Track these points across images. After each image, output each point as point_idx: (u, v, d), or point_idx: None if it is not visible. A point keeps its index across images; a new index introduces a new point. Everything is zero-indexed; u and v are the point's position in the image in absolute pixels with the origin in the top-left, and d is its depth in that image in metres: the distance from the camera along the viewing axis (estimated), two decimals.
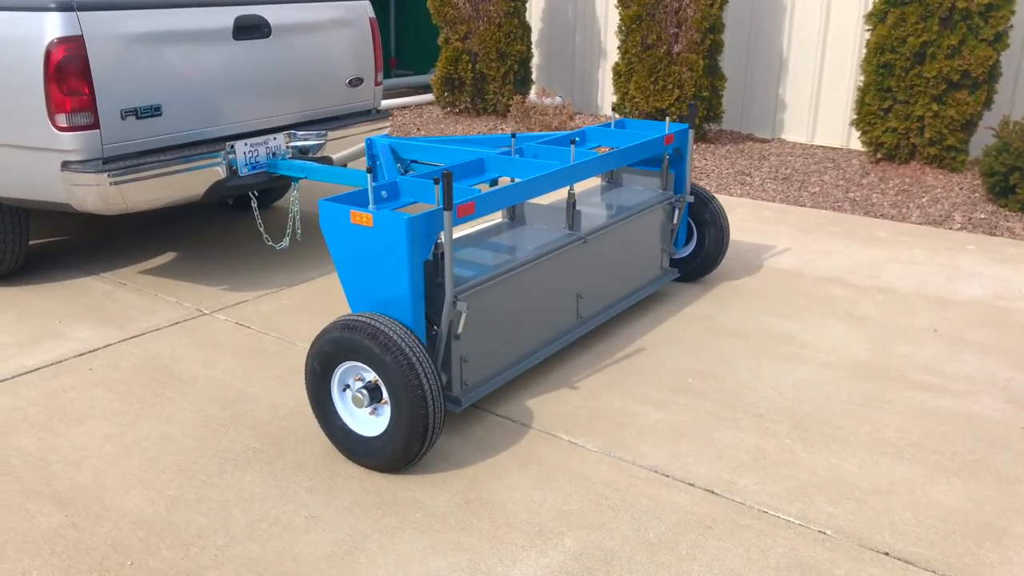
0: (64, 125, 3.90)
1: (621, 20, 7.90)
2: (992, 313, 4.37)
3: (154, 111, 4.15)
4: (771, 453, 3.12)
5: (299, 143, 4.84)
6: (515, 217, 3.99)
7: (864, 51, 7.36)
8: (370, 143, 4.24)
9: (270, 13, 4.61)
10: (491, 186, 3.84)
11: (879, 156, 7.02)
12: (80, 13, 3.83)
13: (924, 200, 6.32)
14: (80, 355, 3.87)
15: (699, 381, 3.65)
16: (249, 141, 4.59)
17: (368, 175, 3.11)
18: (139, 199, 4.13)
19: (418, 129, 8.86)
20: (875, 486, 2.93)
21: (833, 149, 7.97)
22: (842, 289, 4.70)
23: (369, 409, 2.96)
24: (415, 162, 4.16)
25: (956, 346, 4.00)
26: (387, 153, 4.07)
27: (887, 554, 2.59)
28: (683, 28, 7.59)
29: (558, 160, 3.81)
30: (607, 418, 3.35)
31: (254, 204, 4.76)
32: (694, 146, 6.82)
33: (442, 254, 2.99)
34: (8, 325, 4.17)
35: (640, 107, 7.82)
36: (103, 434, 3.23)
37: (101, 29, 3.91)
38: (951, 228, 5.84)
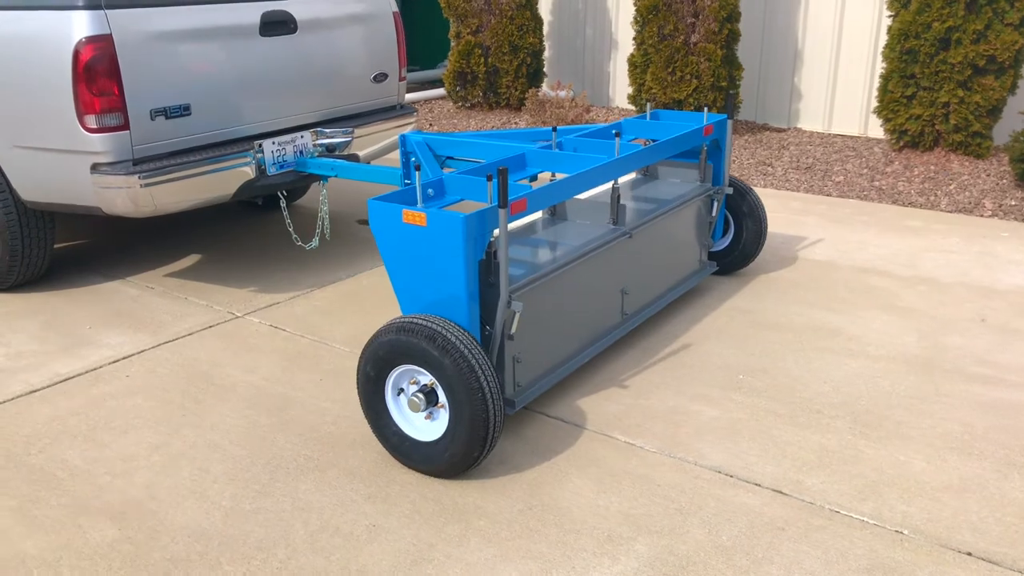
0: (93, 126, 3.80)
1: (637, 10, 7.80)
2: None
3: (183, 111, 4.06)
4: (835, 450, 3.05)
5: (326, 141, 4.75)
6: (556, 212, 3.91)
7: (884, 38, 7.29)
8: (404, 139, 4.16)
9: (296, 8, 4.52)
10: (530, 181, 3.76)
11: (902, 144, 6.94)
12: (108, 11, 3.74)
13: (952, 187, 6.24)
14: (115, 362, 3.79)
15: (750, 377, 3.58)
16: (277, 140, 4.51)
17: (416, 172, 3.03)
18: (169, 201, 4.05)
19: (431, 125, 8.77)
20: (946, 483, 2.86)
21: (852, 138, 7.89)
22: (882, 280, 4.63)
23: (425, 413, 2.88)
24: (450, 158, 4.08)
25: (1006, 336, 3.93)
26: (424, 150, 3.98)
27: (970, 554, 2.52)
28: (700, 18, 7.50)
29: (601, 153, 3.72)
30: (661, 417, 3.27)
31: (283, 204, 4.68)
32: None
33: (495, 252, 2.91)
34: (37, 332, 4.09)
35: (658, 98, 7.73)
36: (149, 444, 3.15)
37: (130, 27, 3.82)
38: (982, 215, 5.77)
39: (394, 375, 2.89)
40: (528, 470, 2.96)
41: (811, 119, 8.38)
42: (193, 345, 3.94)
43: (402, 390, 2.93)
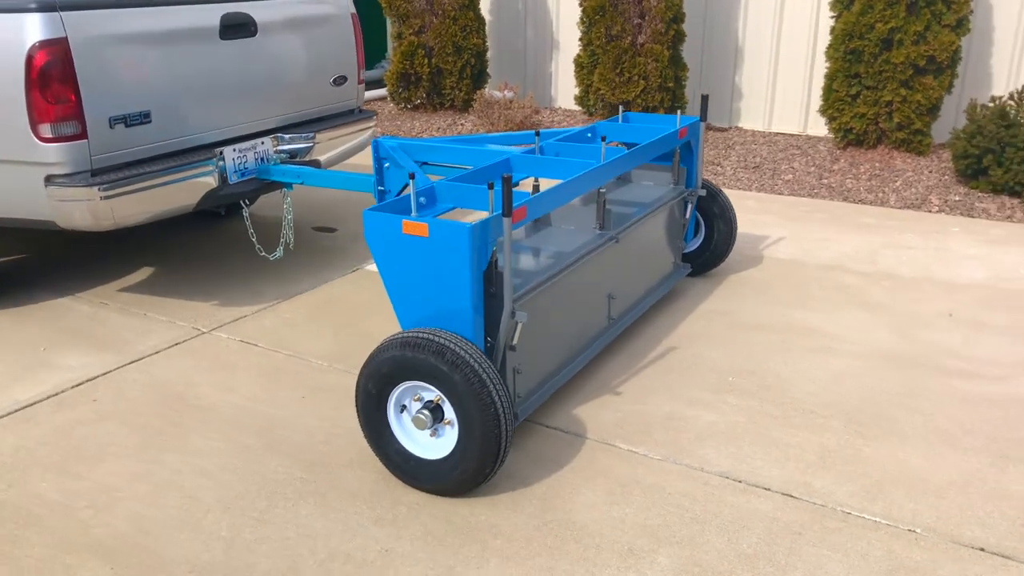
0: (48, 136, 3.58)
1: (583, 11, 7.80)
2: (999, 296, 4.44)
3: (143, 118, 3.86)
4: (835, 451, 3.07)
5: (287, 147, 4.59)
6: (540, 218, 3.85)
7: (823, 38, 7.45)
8: (376, 145, 4.04)
9: (256, 11, 4.35)
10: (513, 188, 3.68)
11: (847, 142, 7.10)
12: (63, 13, 3.52)
13: (898, 184, 6.41)
14: (78, 385, 3.58)
15: (740, 379, 3.58)
16: (237, 147, 4.33)
17: (411, 180, 2.93)
18: (130, 213, 3.84)
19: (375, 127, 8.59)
20: (947, 479, 2.90)
21: (793, 136, 8.04)
22: (849, 277, 4.71)
23: (430, 431, 2.79)
24: (427, 164, 3.97)
25: (976, 330, 4.04)
26: (401, 155, 3.87)
27: (983, 550, 2.56)
28: (646, 18, 7.54)
29: (587, 158, 3.68)
30: (660, 424, 3.25)
31: (246, 213, 4.50)
32: None
33: (496, 262, 2.83)
34: None
35: (606, 99, 7.75)
36: (130, 473, 2.97)
37: (86, 30, 3.61)
38: (930, 211, 5.93)
39: (397, 392, 2.79)
40: (536, 484, 2.89)
41: (752, 118, 8.51)
42: (161, 364, 3.75)
43: (404, 407, 2.83)
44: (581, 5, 7.83)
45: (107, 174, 3.73)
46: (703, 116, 4.26)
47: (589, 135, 4.18)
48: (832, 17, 6.99)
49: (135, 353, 3.85)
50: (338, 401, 3.43)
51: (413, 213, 2.97)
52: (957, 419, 3.27)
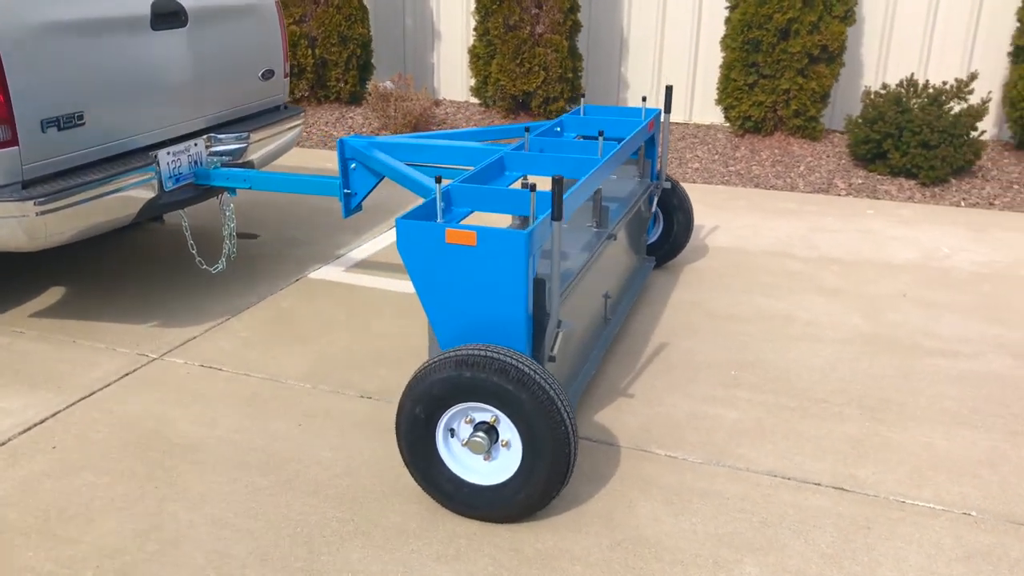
0: None
1: (479, 1, 7.62)
2: (935, 275, 4.67)
3: (77, 120, 3.38)
4: (863, 439, 3.10)
5: (220, 148, 4.18)
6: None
7: (705, 29, 7.64)
8: (343, 144, 3.72)
9: None
10: None
11: (745, 129, 7.31)
12: None
13: (802, 169, 6.67)
14: (26, 431, 3.09)
15: (743, 372, 3.57)
16: (171, 149, 3.90)
17: (437, 185, 2.70)
18: (64, 230, 3.37)
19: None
20: (975, 458, 2.99)
21: (681, 125, 8.20)
22: (794, 263, 4.82)
23: (483, 455, 2.58)
24: (412, 165, 3.70)
25: (932, 309, 4.22)
26: (372, 156, 3.58)
27: None
28: (544, 8, 7.45)
29: (584, 154, 3.54)
30: (686, 425, 3.18)
31: (185, 223, 4.06)
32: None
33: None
34: None
35: (507, 90, 7.61)
36: (132, 531, 2.58)
37: (11, 20, 3.10)
38: (839, 194, 6.20)
39: (447, 416, 2.56)
40: (589, 500, 2.74)
41: None
42: (119, 399, 3.31)
43: (453, 431, 2.61)
44: None
45: (41, 185, 3.24)
46: (667, 108, 4.22)
47: (558, 129, 4.05)
48: (727, 8, 7.16)
49: (81, 388, 3.38)
50: (341, 427, 3.14)
51: (439, 219, 2.74)
52: (957, 398, 3.39)
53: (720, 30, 7.70)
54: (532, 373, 2.45)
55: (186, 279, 4.46)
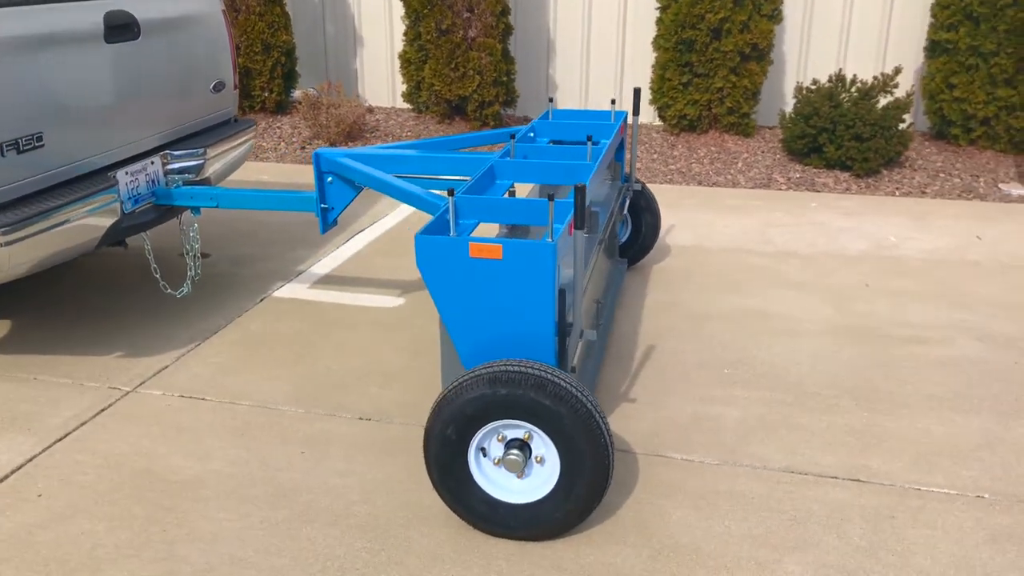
0: None
1: (408, 5, 7.50)
2: (889, 264, 4.83)
3: (36, 141, 3.15)
4: (863, 429, 3.17)
5: (177, 165, 3.98)
6: (516, 225, 3.62)
7: (630, 30, 7.74)
8: (318, 157, 3.59)
9: (136, 9, 3.70)
10: None
11: (680, 128, 7.43)
12: None
13: (740, 165, 6.81)
14: (3, 479, 2.86)
15: (734, 370, 3.60)
16: (128, 169, 3.69)
17: (450, 198, 2.62)
18: (26, 260, 3.13)
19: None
20: (972, 442, 3.09)
21: None
22: (755, 258, 4.91)
23: (518, 473, 2.52)
24: (399, 176, 3.59)
25: (896, 298, 4.36)
26: (351, 168, 3.46)
27: None
28: (476, 12, 7.40)
29: (573, 159, 3.50)
30: (693, 427, 3.18)
31: (147, 246, 3.84)
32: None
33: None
34: None
35: (443, 95, 7.52)
36: None
37: None
38: (780, 189, 6.36)
39: (480, 435, 2.49)
40: (619, 510, 2.71)
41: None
42: (99, 438, 3.10)
43: (483, 450, 2.53)
44: None
45: (3, 213, 3.01)
46: (635, 110, 4.23)
47: (531, 135, 4.01)
48: (658, 8, 7.26)
49: (54, 429, 3.15)
50: (346, 451, 3.02)
51: (452, 233, 2.66)
52: (940, 384, 3.50)
53: (646, 29, 7.81)
54: (569, 387, 2.40)
55: (145, 305, 4.23)
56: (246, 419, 3.23)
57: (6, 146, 3.01)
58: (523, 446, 2.50)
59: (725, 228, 5.43)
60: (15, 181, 3.08)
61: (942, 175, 6.51)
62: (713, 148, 7.18)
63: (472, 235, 2.65)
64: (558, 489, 2.48)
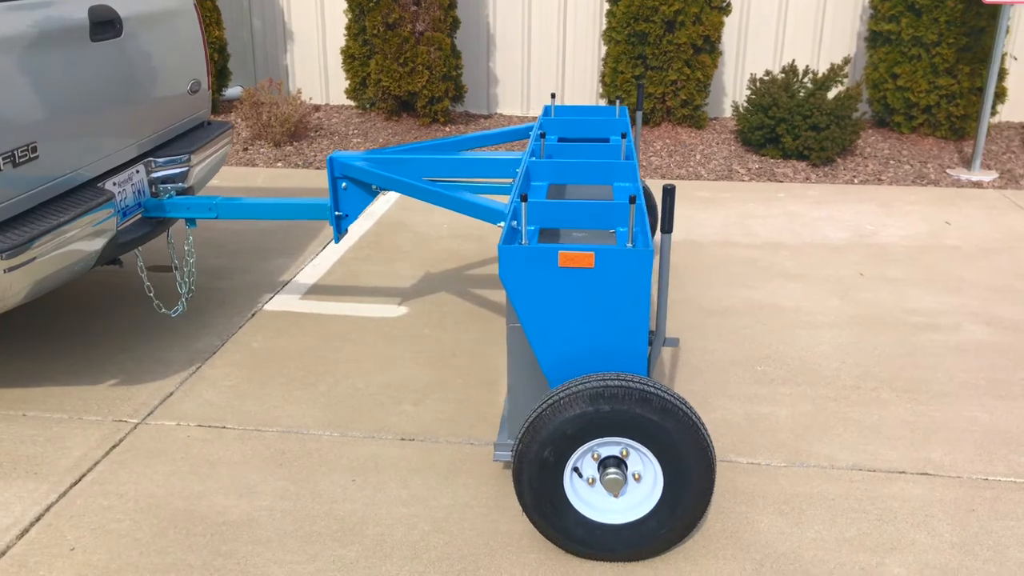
0: None
1: None
2: (876, 252, 4.90)
3: (31, 152, 2.82)
4: (914, 421, 3.17)
5: (162, 173, 3.67)
6: None
7: (570, 24, 7.69)
8: (332, 162, 3.35)
9: (116, 2, 3.38)
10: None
11: (635, 121, 7.39)
12: None
13: (698, 158, 6.83)
14: (24, 533, 2.55)
15: (767, 367, 3.56)
16: (115, 179, 3.37)
17: (523, 204, 2.46)
18: (29, 283, 2.80)
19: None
20: (1021, 427, 3.13)
21: None
22: (746, 251, 4.90)
23: (615, 492, 2.39)
24: (433, 180, 3.38)
25: (893, 285, 4.42)
26: (371, 173, 3.24)
27: None
28: (423, 5, 7.18)
29: (606, 158, 3.38)
30: (747, 427, 3.12)
31: (140, 262, 3.51)
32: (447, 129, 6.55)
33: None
34: None
35: (391, 91, 7.27)
36: None
37: None
38: (742, 180, 6.40)
39: (576, 455, 2.35)
40: (706, 521, 2.62)
41: (510, 104, 8.54)
42: (121, 478, 2.80)
43: (577, 470, 2.40)
44: None
45: (3, 234, 2.68)
46: (639, 105, 4.14)
47: (543, 133, 3.86)
48: (608, 1, 7.20)
49: (65, 471, 2.84)
50: (400, 477, 2.82)
51: (524, 241, 2.50)
52: (968, 370, 3.55)
53: (586, 22, 7.76)
54: (673, 399, 2.28)
55: (124, 326, 3.89)
56: (280, 447, 2.99)
57: (2, 159, 2.68)
58: (619, 463, 2.37)
59: (707, 221, 5.41)
60: (12, 198, 2.75)
61: (892, 162, 6.69)
62: (668, 141, 7.18)
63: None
64: (662, 505, 2.36)
